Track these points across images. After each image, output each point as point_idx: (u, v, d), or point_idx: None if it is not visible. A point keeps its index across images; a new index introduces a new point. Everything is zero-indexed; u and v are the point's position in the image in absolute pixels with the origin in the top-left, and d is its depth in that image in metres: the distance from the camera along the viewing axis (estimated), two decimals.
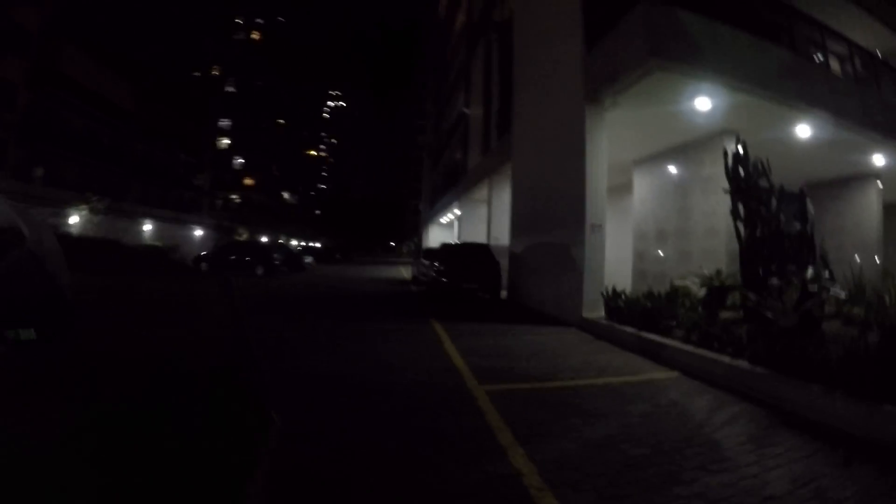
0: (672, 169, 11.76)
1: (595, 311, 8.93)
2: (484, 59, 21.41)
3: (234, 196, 58.29)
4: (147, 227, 31.40)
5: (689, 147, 11.11)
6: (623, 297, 8.40)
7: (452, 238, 38.01)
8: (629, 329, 7.35)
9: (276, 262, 20.89)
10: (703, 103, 8.73)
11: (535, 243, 11.80)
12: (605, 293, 8.69)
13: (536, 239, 11.76)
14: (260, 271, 20.11)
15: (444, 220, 40.16)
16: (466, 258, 13.25)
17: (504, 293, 13.68)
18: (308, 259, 27.22)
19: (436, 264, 13.67)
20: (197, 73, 46.08)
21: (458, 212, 29.35)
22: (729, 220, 10.41)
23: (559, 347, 7.01)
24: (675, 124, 9.99)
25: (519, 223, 13.54)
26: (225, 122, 56.27)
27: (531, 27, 13.40)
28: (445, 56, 41.02)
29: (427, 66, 61.22)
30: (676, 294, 8.18)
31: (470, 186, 22.45)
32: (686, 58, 7.78)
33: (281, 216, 62.48)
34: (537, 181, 12.03)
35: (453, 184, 30.43)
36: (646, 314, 7.35)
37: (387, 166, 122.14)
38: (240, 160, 59.51)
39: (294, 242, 48.02)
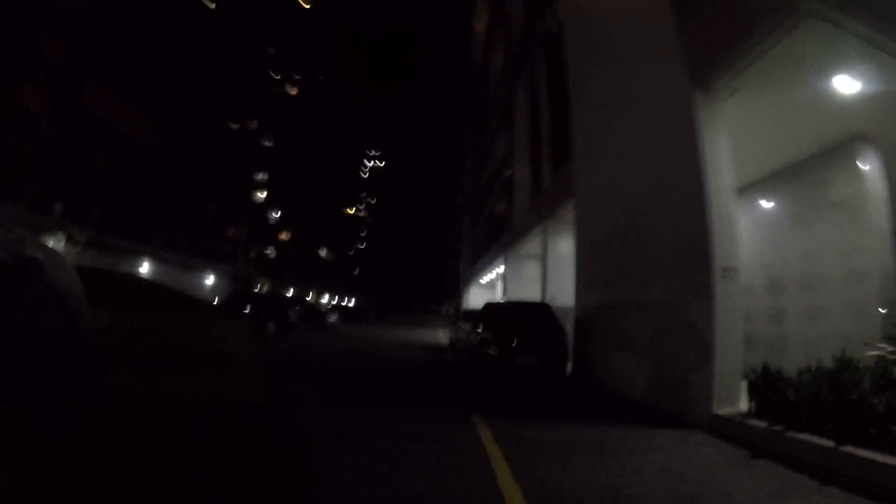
0: (784, 197, 8.64)
1: (730, 404, 5.69)
2: (528, 90, 19.09)
3: (268, 250, 57.13)
4: (143, 267, 26.45)
5: (808, 165, 8.07)
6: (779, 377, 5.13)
7: (494, 299, 34.66)
8: (818, 441, 4.15)
9: (292, 320, 18.14)
10: (844, 83, 5.88)
11: (618, 302, 8.56)
12: (753, 375, 5.43)
13: (620, 296, 8.53)
14: (271, 328, 17.33)
15: (484, 280, 37.25)
16: (521, 322, 9.89)
17: (568, 367, 10.31)
18: (332, 318, 24.33)
19: (479, 330, 10.45)
20: (234, 126, 45.80)
21: (501, 270, 26.36)
22: (883, 257, 7.32)
23: (711, 485, 3.73)
24: (798, 124, 7.18)
25: (589, 277, 10.35)
26: (262, 176, 55.87)
27: (589, 28, 10.86)
28: (483, 104, 39.74)
29: (465, 121, 60.67)
30: (848, 369, 4.89)
31: (516, 239, 19.53)
32: None
33: (316, 272, 61.00)
34: (618, 217, 8.95)
35: (496, 239, 27.71)
36: (850, 410, 4.06)
37: (426, 226, 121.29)
38: (276, 214, 58.62)
39: (325, 300, 45.69)
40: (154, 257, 26.18)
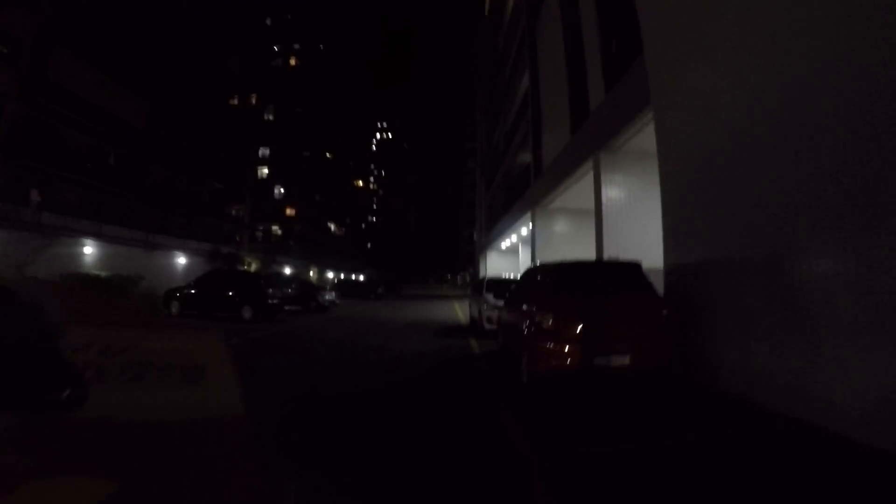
0: None
1: None
2: None
3: (274, 227, 53.82)
4: (87, 249, 20.75)
5: None
6: None
7: (518, 267, 30.58)
8: None
9: (273, 302, 14.57)
10: None
11: (770, 256, 4.69)
12: None
13: (774, 242, 4.66)
14: (247, 314, 13.79)
15: (504, 245, 33.41)
16: (596, 297, 5.69)
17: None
18: (329, 296, 20.71)
19: (525, 307, 6.49)
20: (232, 100, 42.08)
21: (525, 231, 22.50)
22: None
23: None
24: None
25: (695, 217, 6.46)
26: (264, 151, 52.34)
27: None
28: (497, 52, 35.53)
29: (476, 80, 56.48)
30: None
31: (549, 189, 15.56)
32: None
33: (326, 248, 57.79)
34: (757, 109, 4.99)
35: (517, 197, 23.76)
36: None
37: (439, 196, 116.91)
38: (280, 190, 55.02)
39: (330, 275, 42.17)
40: (100, 237, 21.57)
